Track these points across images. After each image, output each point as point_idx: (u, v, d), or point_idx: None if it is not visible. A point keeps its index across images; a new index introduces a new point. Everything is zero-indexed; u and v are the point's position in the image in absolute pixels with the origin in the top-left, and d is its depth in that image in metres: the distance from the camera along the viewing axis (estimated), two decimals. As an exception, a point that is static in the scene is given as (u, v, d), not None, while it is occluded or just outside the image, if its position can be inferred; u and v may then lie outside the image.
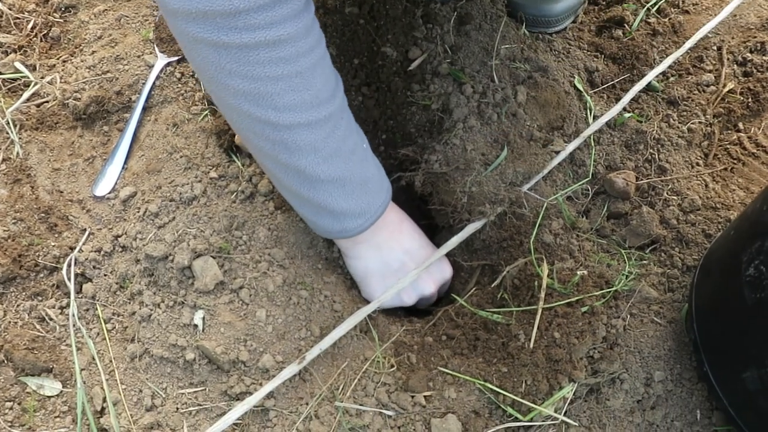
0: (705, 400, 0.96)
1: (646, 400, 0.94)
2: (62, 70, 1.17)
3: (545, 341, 0.94)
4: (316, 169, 0.85)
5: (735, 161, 1.17)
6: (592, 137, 1.15)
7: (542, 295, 0.96)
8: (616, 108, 1.16)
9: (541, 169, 1.07)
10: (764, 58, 1.26)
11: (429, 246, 1.05)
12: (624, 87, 1.26)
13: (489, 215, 1.03)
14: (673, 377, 0.96)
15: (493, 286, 1.04)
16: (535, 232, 1.04)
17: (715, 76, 1.25)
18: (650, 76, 1.22)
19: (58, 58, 1.19)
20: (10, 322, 0.97)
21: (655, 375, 0.95)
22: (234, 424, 0.91)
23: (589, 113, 1.18)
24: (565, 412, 0.91)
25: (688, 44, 1.27)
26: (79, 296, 1.00)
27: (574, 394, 0.92)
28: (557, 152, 1.11)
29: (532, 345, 0.93)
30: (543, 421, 0.90)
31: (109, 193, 1.07)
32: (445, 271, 1.06)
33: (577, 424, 0.92)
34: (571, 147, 1.10)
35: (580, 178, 1.13)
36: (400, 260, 1.00)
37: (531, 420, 0.90)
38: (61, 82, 1.15)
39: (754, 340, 0.80)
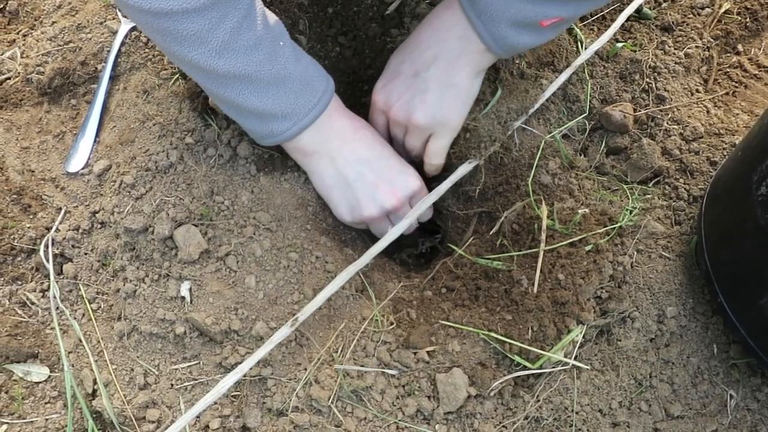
0: (721, 334, 0.92)
1: (659, 338, 0.90)
2: (23, 45, 1.11)
3: (549, 284, 0.89)
4: (211, 63, 0.80)
5: (736, 84, 1.12)
6: (585, 71, 1.09)
7: (543, 237, 0.92)
8: (607, 34, 1.10)
9: (533, 104, 1.01)
10: (761, -26, 1.20)
11: (391, 156, 0.96)
12: (615, 18, 1.19)
13: (481, 157, 0.98)
14: (686, 312, 0.92)
15: (491, 233, 0.99)
16: (532, 174, 0.99)
17: (710, -2, 1.19)
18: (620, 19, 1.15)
19: (17, 33, 1.13)
20: (-11, 309, 0.93)
21: (668, 311, 0.90)
22: (232, 396, 0.88)
23: (580, 46, 1.12)
24: (576, 356, 0.87)
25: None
26: (60, 277, 0.96)
27: (583, 336, 0.87)
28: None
29: (536, 289, 0.89)
30: (553, 367, 0.86)
31: (83, 168, 1.02)
32: (409, 183, 0.96)
33: (589, 367, 0.88)
34: (562, 77, 1.04)
35: (575, 115, 1.07)
36: (356, 170, 0.93)
37: (540, 367, 0.86)
38: (22, 57, 1.10)
39: (770, 262, 0.75)
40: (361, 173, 0.93)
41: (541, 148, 1.01)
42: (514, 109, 1.00)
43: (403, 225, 0.95)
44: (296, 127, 0.88)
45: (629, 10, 1.14)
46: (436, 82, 0.92)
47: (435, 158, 0.99)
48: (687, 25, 1.16)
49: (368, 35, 1.08)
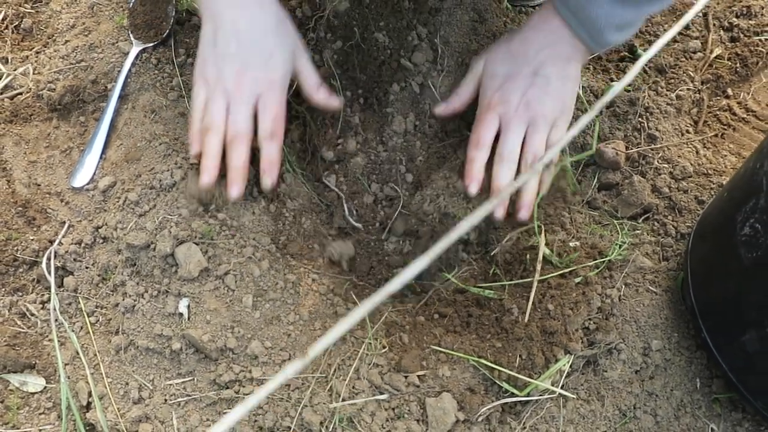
0: (704, 368, 0.94)
1: (644, 370, 0.92)
2: (35, 61, 1.14)
3: (539, 314, 0.91)
4: None
5: (725, 127, 1.16)
6: (581, 108, 1.13)
7: (538, 267, 0.94)
8: (617, 87, 1.12)
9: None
10: (750, 22, 1.25)
11: (268, 48, 0.93)
12: (609, 57, 1.24)
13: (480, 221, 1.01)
14: (671, 346, 0.94)
15: (492, 254, 1.01)
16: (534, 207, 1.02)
17: (701, 43, 1.23)
18: (650, 52, 1.18)
19: (30, 50, 1.16)
20: (-11, 318, 0.95)
21: (653, 344, 0.93)
22: (224, 413, 0.89)
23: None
24: (563, 385, 0.89)
25: (687, 18, 1.24)
26: (61, 290, 0.98)
27: (570, 366, 0.90)
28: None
29: (526, 318, 0.91)
30: (540, 395, 0.88)
31: (88, 183, 1.04)
32: (260, 81, 0.92)
33: (575, 396, 0.90)
34: (572, 133, 1.07)
35: (578, 151, 1.10)
36: (225, 39, 0.91)
37: (528, 395, 0.88)
38: (34, 74, 1.12)
39: (752, 301, 0.78)
40: (228, 42, 0.91)
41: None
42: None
43: (413, 270, 0.97)
44: None
45: (641, 62, 1.17)
46: (556, 76, 0.98)
47: (555, 148, 0.99)
48: (679, 68, 1.20)
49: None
